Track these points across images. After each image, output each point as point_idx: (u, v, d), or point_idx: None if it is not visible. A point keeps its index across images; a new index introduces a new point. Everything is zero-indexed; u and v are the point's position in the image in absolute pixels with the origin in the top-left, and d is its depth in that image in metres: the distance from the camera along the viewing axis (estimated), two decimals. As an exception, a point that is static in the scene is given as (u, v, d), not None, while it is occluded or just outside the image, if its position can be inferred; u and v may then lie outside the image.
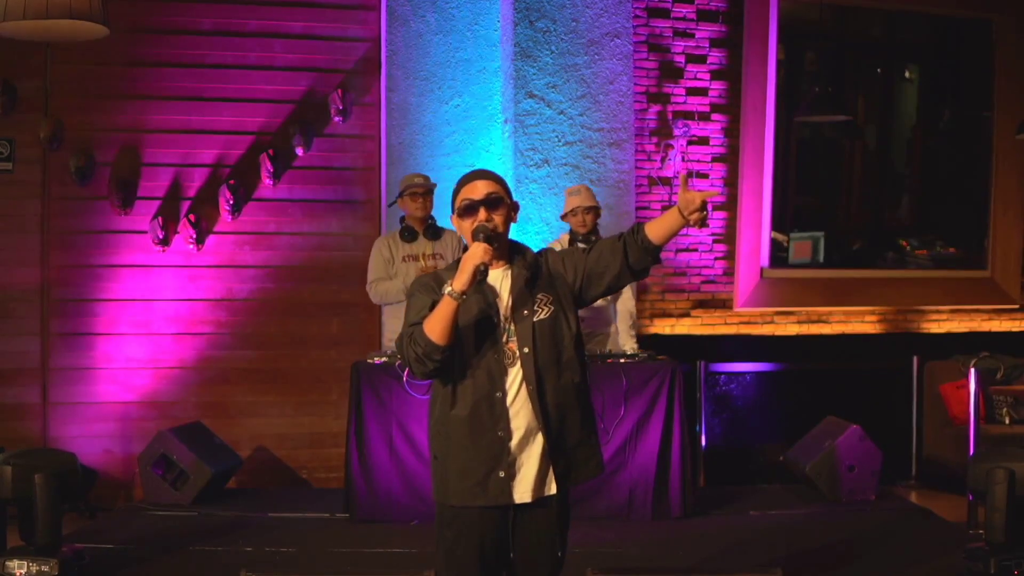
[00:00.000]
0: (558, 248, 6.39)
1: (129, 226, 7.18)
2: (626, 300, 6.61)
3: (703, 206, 3.18)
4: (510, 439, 3.30)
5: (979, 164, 8.77)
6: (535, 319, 3.32)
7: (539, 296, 3.35)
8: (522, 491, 3.32)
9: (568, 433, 3.36)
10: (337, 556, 5.55)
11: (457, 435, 3.32)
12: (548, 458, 3.32)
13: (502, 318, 3.33)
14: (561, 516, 3.42)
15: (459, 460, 3.32)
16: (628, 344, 6.58)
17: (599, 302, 6.49)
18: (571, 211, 6.48)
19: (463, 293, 3.21)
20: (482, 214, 3.32)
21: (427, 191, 6.39)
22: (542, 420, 3.31)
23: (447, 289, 3.21)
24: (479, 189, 3.35)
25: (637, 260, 3.31)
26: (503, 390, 3.31)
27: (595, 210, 6.51)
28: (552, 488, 3.34)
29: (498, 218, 3.33)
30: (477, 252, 3.22)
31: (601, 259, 3.35)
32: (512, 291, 3.34)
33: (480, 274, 3.22)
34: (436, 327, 3.22)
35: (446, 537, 3.38)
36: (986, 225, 8.67)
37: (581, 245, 3.54)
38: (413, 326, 3.29)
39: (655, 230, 3.28)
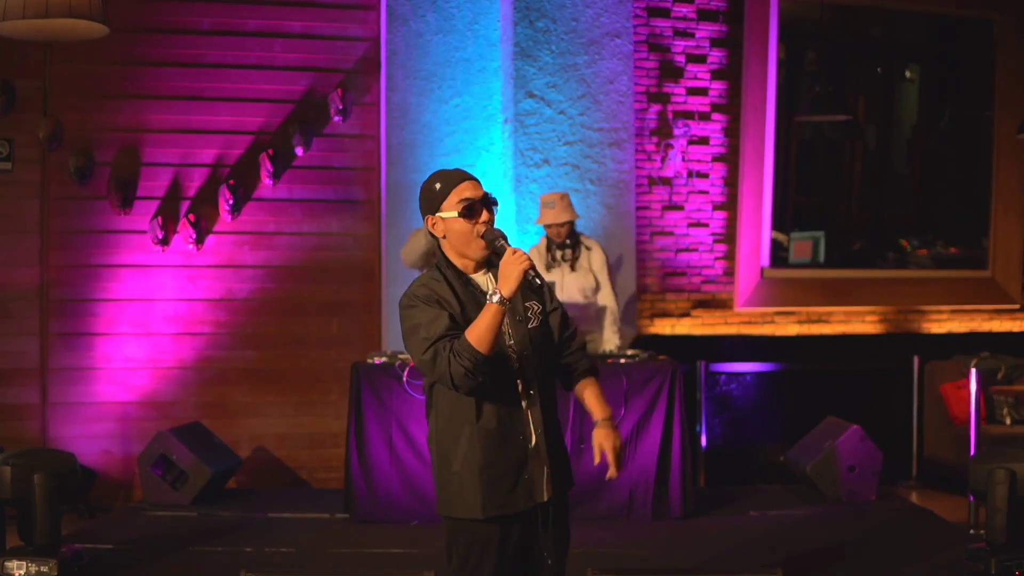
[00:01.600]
0: (535, 254, 6.51)
1: (129, 226, 7.17)
2: (607, 296, 6.67)
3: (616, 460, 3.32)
4: (530, 442, 3.26)
5: (980, 164, 8.77)
6: (529, 327, 3.29)
7: (527, 304, 3.30)
8: (539, 492, 3.28)
9: (559, 437, 3.38)
10: (337, 556, 5.54)
11: (486, 446, 3.22)
12: (550, 459, 3.30)
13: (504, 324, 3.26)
14: (568, 515, 3.42)
15: (488, 471, 3.22)
16: (612, 342, 6.61)
17: (580, 299, 6.58)
18: (546, 225, 6.60)
19: (509, 300, 3.11)
20: (485, 215, 3.23)
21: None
22: (543, 422, 3.29)
23: (495, 297, 3.08)
24: (475, 188, 3.24)
25: (560, 373, 3.46)
26: (518, 394, 3.27)
27: (570, 223, 6.60)
28: (550, 491, 3.30)
29: (492, 218, 3.26)
30: (522, 258, 3.10)
31: (558, 330, 3.42)
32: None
33: (532, 278, 3.12)
34: (486, 337, 3.07)
35: (468, 550, 3.26)
36: (987, 225, 8.68)
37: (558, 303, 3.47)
38: (449, 340, 3.12)
39: (579, 391, 3.44)
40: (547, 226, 6.64)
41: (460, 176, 3.26)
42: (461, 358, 3.07)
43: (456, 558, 3.29)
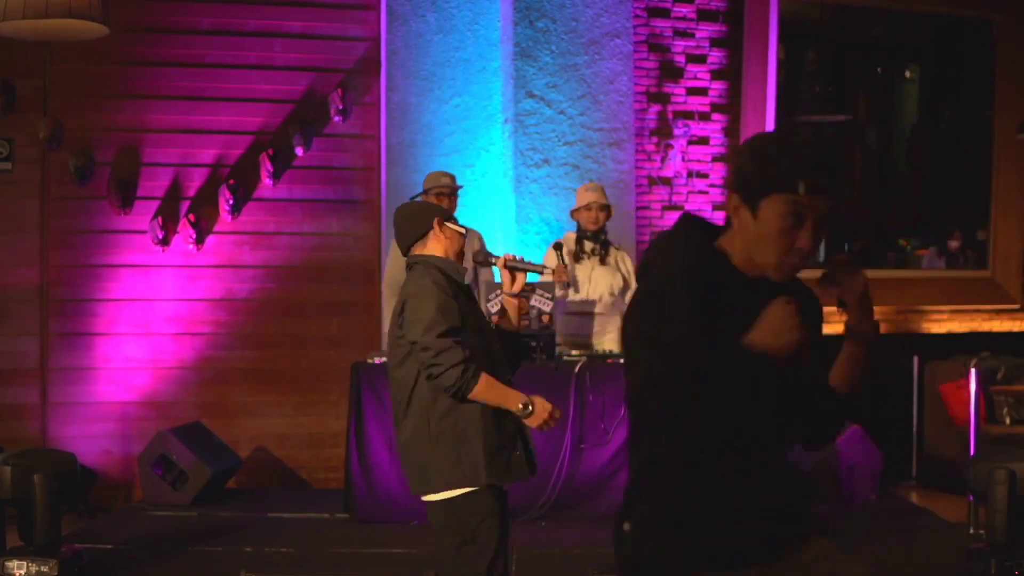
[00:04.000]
0: (564, 247, 6.47)
1: (129, 226, 7.17)
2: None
3: None
4: (517, 422, 3.62)
5: (980, 164, 8.77)
6: (493, 325, 3.82)
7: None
8: (527, 470, 3.64)
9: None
10: (337, 556, 5.55)
11: (488, 418, 3.53)
12: (529, 442, 3.69)
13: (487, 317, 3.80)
14: None
15: (490, 441, 3.52)
16: None
17: (608, 297, 6.54)
18: (585, 205, 6.51)
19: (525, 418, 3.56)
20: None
21: (453, 191, 6.35)
22: None
23: (527, 411, 3.50)
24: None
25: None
26: (509, 378, 3.67)
27: (608, 209, 6.56)
28: (531, 469, 3.67)
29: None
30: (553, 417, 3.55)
31: None
32: (481, 299, 3.81)
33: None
34: (486, 400, 3.50)
35: (479, 523, 3.48)
36: (987, 224, 8.68)
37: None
38: (458, 347, 3.45)
39: None
40: (587, 208, 6.53)
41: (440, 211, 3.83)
42: (463, 380, 3.42)
43: (461, 536, 3.47)
